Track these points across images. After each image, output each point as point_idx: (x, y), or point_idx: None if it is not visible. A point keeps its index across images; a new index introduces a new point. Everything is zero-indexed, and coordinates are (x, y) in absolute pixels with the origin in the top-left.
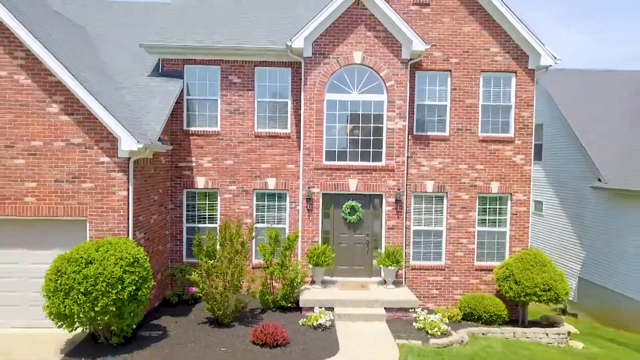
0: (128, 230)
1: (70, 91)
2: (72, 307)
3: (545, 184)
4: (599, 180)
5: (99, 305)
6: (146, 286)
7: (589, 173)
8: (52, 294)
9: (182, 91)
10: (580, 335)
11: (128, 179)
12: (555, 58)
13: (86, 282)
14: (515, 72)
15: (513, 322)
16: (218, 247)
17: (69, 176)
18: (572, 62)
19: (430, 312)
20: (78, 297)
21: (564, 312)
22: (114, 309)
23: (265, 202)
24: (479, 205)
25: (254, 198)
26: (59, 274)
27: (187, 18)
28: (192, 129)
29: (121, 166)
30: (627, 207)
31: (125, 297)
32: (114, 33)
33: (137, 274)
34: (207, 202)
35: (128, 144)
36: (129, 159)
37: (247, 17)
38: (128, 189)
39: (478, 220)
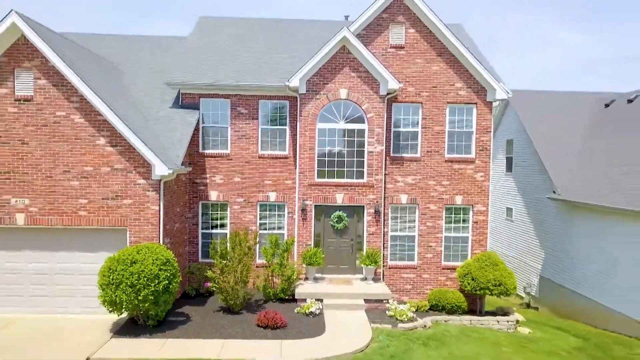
0: (159, 237)
1: (114, 128)
2: (121, 296)
3: (515, 192)
4: (554, 192)
5: (141, 295)
6: (175, 281)
7: (547, 185)
8: (105, 286)
9: (198, 120)
10: (533, 323)
11: (159, 196)
12: (508, 93)
13: (132, 277)
14: (476, 104)
15: (472, 311)
16: (229, 249)
17: (113, 194)
18: (571, 62)
19: (404, 303)
20: (126, 289)
21: (528, 305)
22: (152, 298)
23: (267, 212)
24: (445, 214)
25: (258, 208)
26: (110, 271)
27: (202, 56)
28: (206, 151)
29: (154, 186)
30: (578, 217)
31: (160, 289)
32: (141, 67)
33: (168, 271)
34: (218, 212)
35: (160, 170)
36: (160, 180)
37: (252, 56)
38: (159, 204)
39: (445, 227)
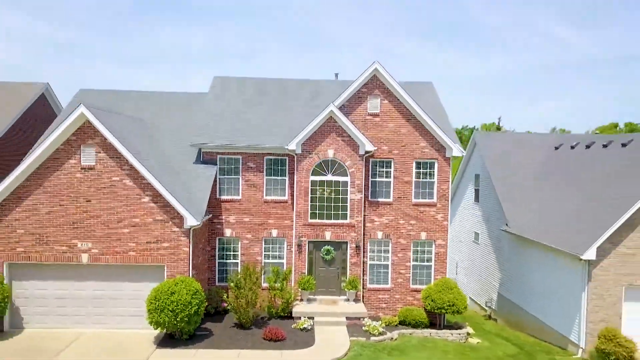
0: (189, 271)
1: (155, 189)
2: (164, 318)
3: (480, 220)
4: (507, 225)
5: (178, 317)
6: (203, 306)
7: (502, 218)
8: (152, 311)
9: (216, 172)
10: (487, 334)
11: (189, 240)
12: (462, 152)
13: (172, 304)
14: (437, 159)
15: (433, 325)
16: (242, 279)
17: (154, 239)
18: (571, 61)
19: (378, 319)
20: (167, 313)
21: (489, 317)
22: (186, 319)
23: (271, 245)
24: (412, 247)
25: (263, 243)
26: (156, 299)
27: (218, 118)
28: (222, 197)
29: (185, 233)
30: (524, 248)
31: (192, 312)
32: (169, 124)
33: (198, 298)
34: (232, 245)
35: (191, 222)
36: (190, 228)
37: (258, 117)
38: (189, 246)
39: (412, 257)
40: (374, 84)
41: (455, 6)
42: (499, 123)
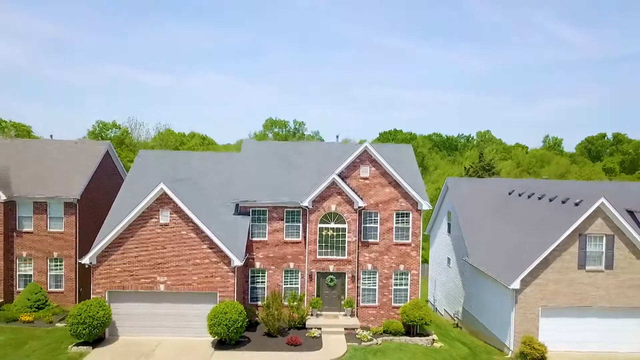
0: (235, 297)
1: (211, 239)
2: (220, 330)
3: (451, 248)
4: (467, 255)
5: (229, 330)
6: (245, 321)
7: (465, 249)
8: (212, 325)
9: (250, 222)
10: (450, 339)
11: (235, 275)
12: (429, 206)
13: (225, 320)
14: (411, 211)
15: (409, 333)
16: (270, 302)
17: (210, 274)
18: (570, 60)
19: (368, 329)
20: (222, 327)
21: (456, 325)
22: (234, 331)
23: (289, 275)
24: (394, 276)
25: (283, 272)
26: (214, 317)
27: (249, 178)
28: (254, 238)
29: (232, 270)
30: (478, 275)
31: (238, 326)
32: (213, 181)
33: (241, 316)
34: (260, 275)
35: (236, 262)
36: (234, 267)
37: (280, 177)
38: (234, 279)
39: (393, 283)
40: (365, 157)
41: (456, 5)
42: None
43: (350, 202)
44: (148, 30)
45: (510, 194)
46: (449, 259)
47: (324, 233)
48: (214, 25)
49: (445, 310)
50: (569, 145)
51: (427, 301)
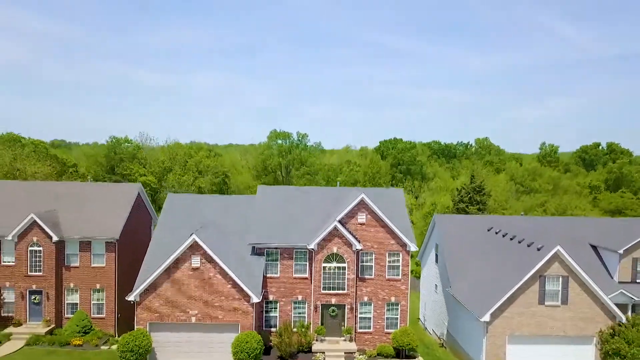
0: (253, 327)
1: (234, 280)
2: (243, 356)
3: (438, 277)
4: (450, 287)
5: (250, 356)
6: (262, 349)
7: (448, 279)
8: (235, 352)
9: (264, 260)
10: (434, 358)
11: (253, 309)
12: (416, 248)
13: (246, 348)
14: (401, 252)
15: (399, 356)
16: (282, 331)
17: (233, 309)
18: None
19: (364, 352)
20: (244, 353)
21: (442, 345)
22: (254, 357)
23: (298, 306)
24: (386, 306)
25: (292, 304)
26: (238, 345)
27: (264, 221)
28: (268, 275)
29: (251, 305)
30: (457, 303)
31: (257, 353)
32: (231, 222)
33: (260, 345)
34: (273, 305)
35: (254, 300)
36: (253, 303)
37: (291, 220)
38: (254, 314)
39: (386, 312)
40: (361, 205)
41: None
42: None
43: (349, 244)
44: (154, 29)
45: (489, 230)
46: (436, 285)
47: (327, 271)
48: (214, 23)
49: (433, 330)
50: (571, 146)
51: (418, 319)
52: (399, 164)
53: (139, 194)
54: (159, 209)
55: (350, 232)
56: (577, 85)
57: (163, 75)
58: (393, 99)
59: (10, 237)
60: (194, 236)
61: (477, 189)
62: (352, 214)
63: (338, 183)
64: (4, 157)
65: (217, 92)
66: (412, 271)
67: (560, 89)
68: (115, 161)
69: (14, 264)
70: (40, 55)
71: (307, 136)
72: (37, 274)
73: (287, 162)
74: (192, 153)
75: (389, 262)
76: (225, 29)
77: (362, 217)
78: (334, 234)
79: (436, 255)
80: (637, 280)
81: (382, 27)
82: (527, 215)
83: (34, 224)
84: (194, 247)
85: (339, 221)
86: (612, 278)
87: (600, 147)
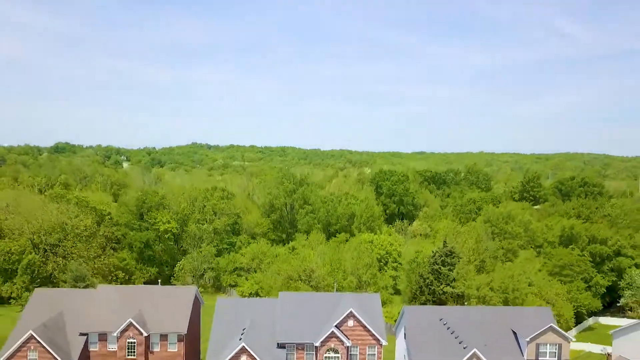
0: None
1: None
2: None
3: (407, 352)
4: None
5: None
6: None
7: (411, 358)
8: None
9: (287, 353)
10: None
11: None
12: (386, 343)
13: None
14: (376, 345)
15: None
16: None
17: None
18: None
19: None
20: None
21: None
22: None
23: None
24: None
25: None
26: None
27: (285, 322)
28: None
29: None
30: None
31: None
32: (264, 323)
33: None
34: None
35: None
36: None
37: (303, 324)
38: None
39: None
40: (350, 314)
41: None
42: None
43: (342, 342)
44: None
45: (440, 320)
46: (404, 355)
47: (326, 359)
48: (213, 22)
49: None
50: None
51: None
52: (392, 194)
53: (195, 296)
54: (183, 252)
55: (342, 332)
56: (577, 83)
57: (163, 72)
58: (393, 97)
59: (115, 334)
60: (242, 344)
61: (448, 252)
62: (344, 320)
63: (335, 285)
64: (52, 212)
65: (218, 90)
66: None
67: (559, 87)
68: (144, 209)
69: (115, 351)
70: (40, 53)
71: (309, 175)
72: (132, 357)
73: (292, 201)
74: (208, 196)
75: (369, 353)
76: (224, 28)
77: (350, 322)
78: (331, 335)
79: (404, 334)
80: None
81: (381, 27)
82: (479, 290)
83: (130, 324)
84: (242, 350)
85: (335, 325)
86: (523, 356)
87: (574, 180)
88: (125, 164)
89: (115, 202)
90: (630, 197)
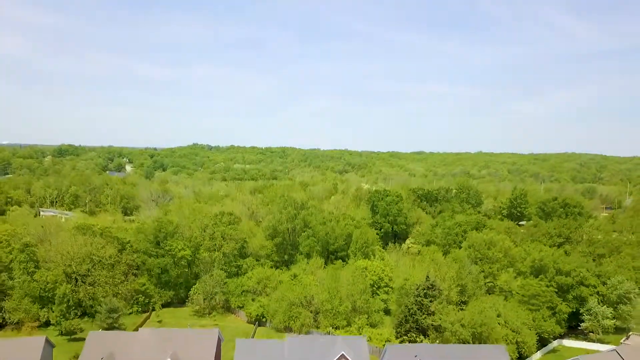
0: None
1: None
2: None
3: None
4: None
5: None
6: None
7: None
8: None
9: None
10: None
11: None
12: None
13: None
14: None
15: None
16: None
17: None
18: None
19: None
20: None
21: None
22: None
23: None
24: None
25: None
26: None
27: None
28: None
29: None
30: None
31: None
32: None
33: None
34: None
35: None
36: None
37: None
38: None
39: None
40: (342, 357)
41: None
42: None
43: None
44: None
45: (415, 356)
46: None
47: None
48: (213, 19)
49: None
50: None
51: None
52: (387, 214)
53: (218, 337)
54: (195, 276)
55: None
56: (576, 82)
57: (164, 69)
58: (393, 95)
59: None
60: None
61: (430, 286)
62: None
63: (330, 331)
64: (80, 244)
65: (218, 88)
66: None
67: (559, 86)
68: (159, 237)
69: None
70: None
71: (309, 200)
72: None
73: (294, 225)
74: (217, 222)
75: None
76: (224, 26)
77: None
78: None
79: None
80: None
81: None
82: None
83: None
84: None
85: None
86: None
87: (555, 201)
88: (128, 167)
89: (125, 215)
90: (617, 208)
